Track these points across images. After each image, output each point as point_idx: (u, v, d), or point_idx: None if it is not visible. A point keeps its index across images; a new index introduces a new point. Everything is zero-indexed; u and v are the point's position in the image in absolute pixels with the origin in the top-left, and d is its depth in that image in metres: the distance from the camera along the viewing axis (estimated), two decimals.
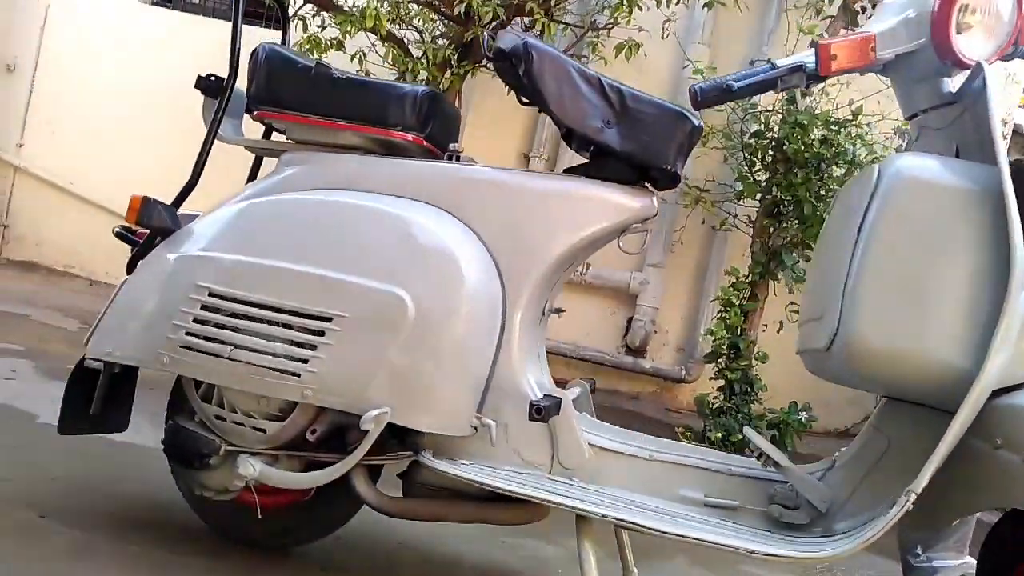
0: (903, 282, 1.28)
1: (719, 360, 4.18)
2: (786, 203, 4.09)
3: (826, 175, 4.07)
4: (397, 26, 4.31)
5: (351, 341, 1.38)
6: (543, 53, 1.48)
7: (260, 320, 1.42)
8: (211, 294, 1.43)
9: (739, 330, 4.12)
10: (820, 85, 2.41)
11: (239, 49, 1.65)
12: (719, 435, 3.94)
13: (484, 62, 4.26)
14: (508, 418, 1.49)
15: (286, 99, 1.61)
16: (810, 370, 1.58)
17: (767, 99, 4.42)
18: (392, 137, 1.57)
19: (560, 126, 1.55)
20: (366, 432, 1.40)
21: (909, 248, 1.29)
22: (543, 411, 1.41)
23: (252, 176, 1.86)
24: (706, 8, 4.25)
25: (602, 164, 1.55)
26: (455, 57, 4.05)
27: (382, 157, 1.60)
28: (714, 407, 4.13)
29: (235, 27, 1.64)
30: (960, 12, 1.38)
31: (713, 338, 4.16)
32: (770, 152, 4.20)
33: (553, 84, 1.48)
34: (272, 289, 1.41)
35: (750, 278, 4.20)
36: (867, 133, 4.14)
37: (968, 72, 1.42)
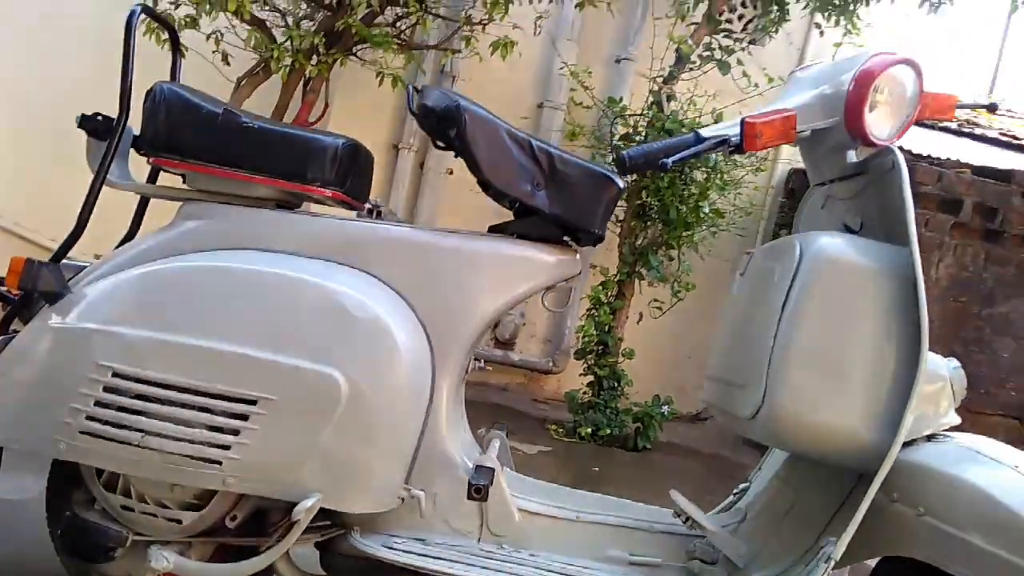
0: (825, 359, 1.35)
1: (588, 356, 4.30)
2: (652, 206, 4.23)
3: (688, 179, 4.24)
4: (259, 5, 4.07)
5: (279, 425, 1.30)
6: (476, 117, 1.44)
7: (174, 403, 1.30)
8: (115, 374, 1.30)
9: (608, 327, 4.25)
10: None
11: (130, 86, 1.49)
12: (588, 430, 4.08)
13: (355, 51, 4.13)
14: (437, 487, 1.47)
15: (190, 147, 1.47)
16: (721, 422, 1.65)
17: (636, 103, 4.54)
18: (312, 193, 1.49)
19: (487, 185, 1.51)
20: (290, 514, 1.35)
21: (831, 326, 1.36)
22: (482, 490, 1.39)
23: (138, 217, 1.70)
24: (578, 8, 4.27)
25: (528, 223, 1.54)
26: (323, 44, 3.87)
27: (296, 213, 1.51)
28: (583, 402, 4.26)
29: (126, 61, 1.48)
30: (873, 92, 1.45)
31: (583, 335, 4.28)
32: None
33: (485, 149, 1.45)
34: (188, 370, 1.30)
35: (618, 277, 4.33)
36: None
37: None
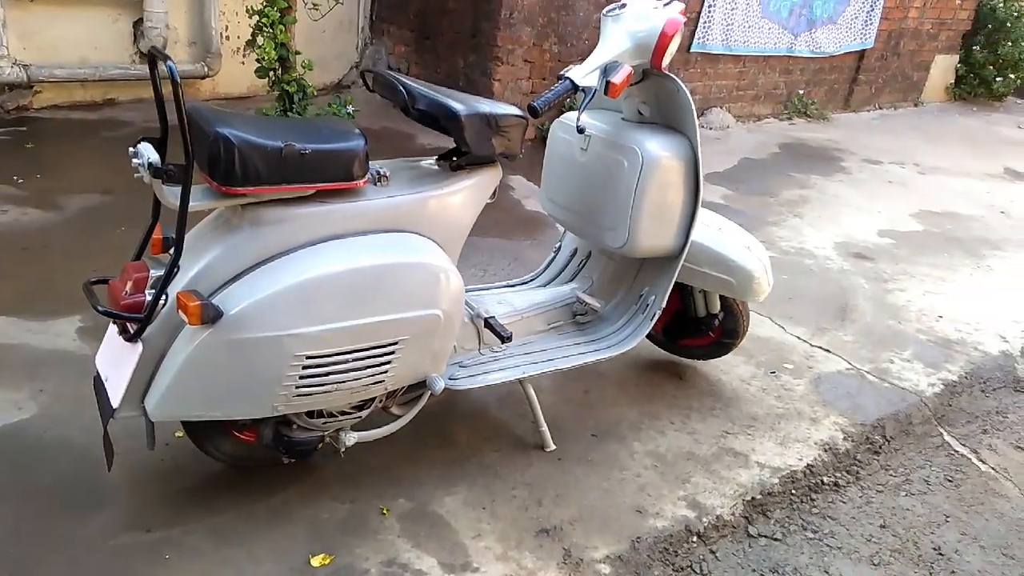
0: (659, 211, 2.47)
1: (271, 73, 4.69)
2: None
3: None
4: None
5: (412, 349, 2.05)
6: (469, 117, 2.06)
7: (350, 360, 1.98)
8: (308, 357, 1.91)
9: (283, 45, 4.61)
10: None
11: (187, 131, 1.76)
12: None
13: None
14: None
15: (262, 176, 1.84)
16: (578, 236, 2.75)
17: None
18: (357, 187, 2.01)
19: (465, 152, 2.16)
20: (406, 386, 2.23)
21: (661, 193, 2.45)
22: (510, 335, 2.36)
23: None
24: None
25: (474, 156, 2.25)
26: None
27: (346, 201, 2.02)
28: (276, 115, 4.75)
29: (179, 111, 1.71)
30: (671, 42, 2.37)
31: (263, 56, 4.59)
32: None
33: (473, 136, 2.09)
34: (356, 339, 1.93)
35: None
36: None
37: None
